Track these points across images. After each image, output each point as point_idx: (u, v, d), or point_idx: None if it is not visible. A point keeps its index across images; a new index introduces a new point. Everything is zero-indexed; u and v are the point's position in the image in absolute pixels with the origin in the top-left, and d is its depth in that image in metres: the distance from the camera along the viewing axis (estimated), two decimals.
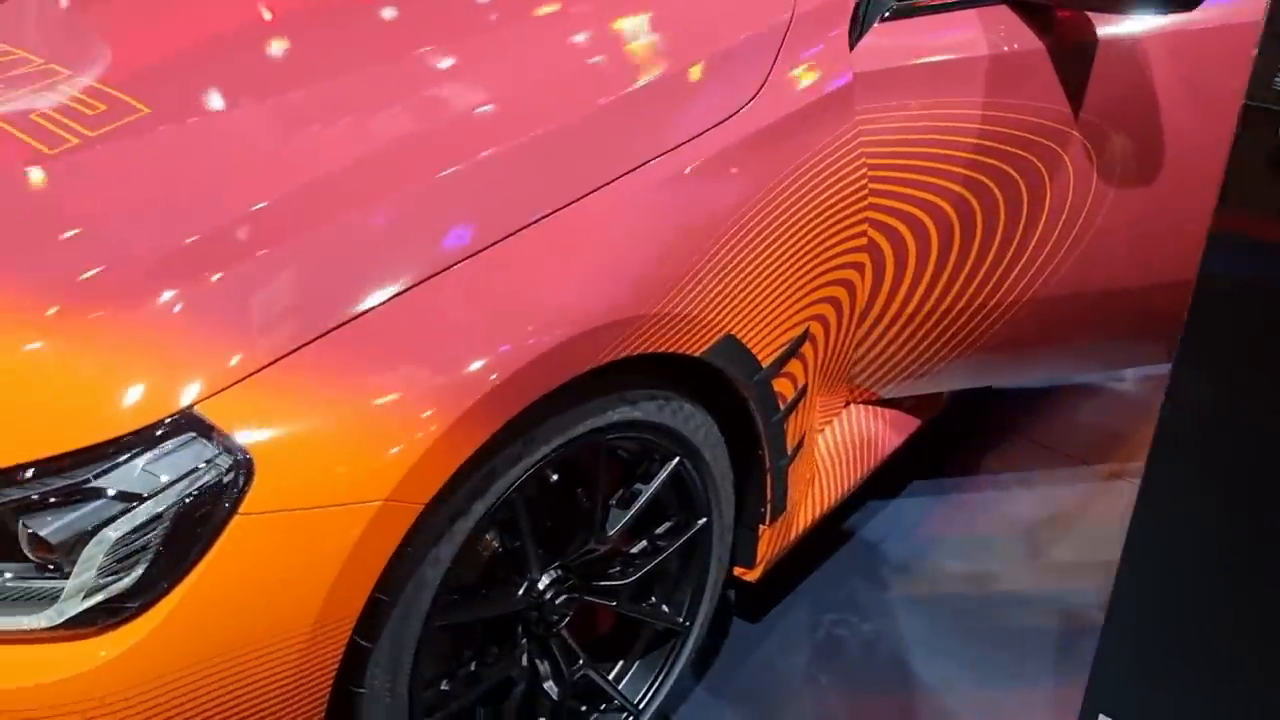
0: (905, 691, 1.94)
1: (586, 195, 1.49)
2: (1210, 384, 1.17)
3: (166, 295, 1.28)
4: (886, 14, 1.80)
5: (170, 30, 1.94)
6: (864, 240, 1.81)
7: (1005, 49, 1.81)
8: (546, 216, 1.45)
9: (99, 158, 1.49)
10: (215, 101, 1.68)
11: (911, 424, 2.19)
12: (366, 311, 1.30)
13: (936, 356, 2.08)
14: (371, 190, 1.42)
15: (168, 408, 1.21)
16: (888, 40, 1.79)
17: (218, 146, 1.56)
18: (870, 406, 2.14)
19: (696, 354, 1.56)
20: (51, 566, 1.19)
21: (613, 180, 1.51)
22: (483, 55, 1.75)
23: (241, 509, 1.19)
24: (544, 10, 1.86)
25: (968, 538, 2.26)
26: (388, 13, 1.94)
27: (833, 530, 2.26)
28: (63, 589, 1.18)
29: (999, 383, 2.58)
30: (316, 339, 1.27)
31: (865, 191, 1.77)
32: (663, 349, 1.51)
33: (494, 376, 1.31)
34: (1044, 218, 1.93)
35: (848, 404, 2.10)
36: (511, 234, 1.42)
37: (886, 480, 2.33)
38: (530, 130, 1.52)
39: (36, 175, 1.47)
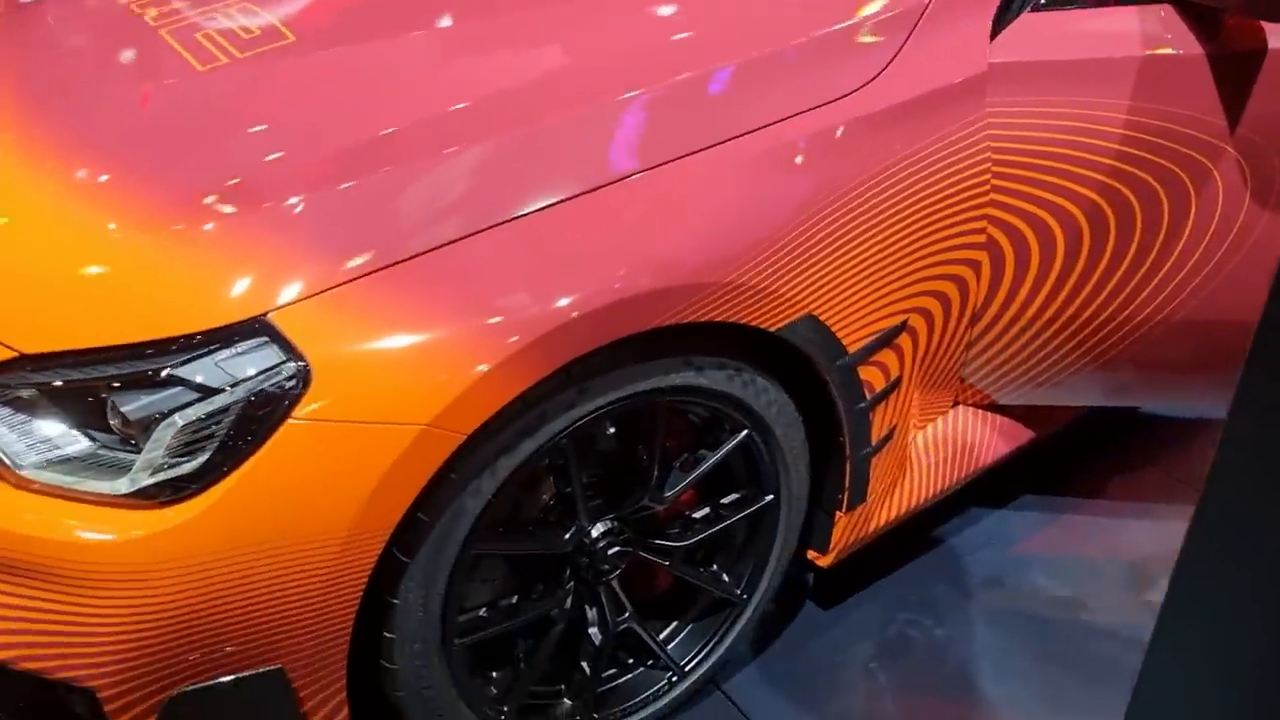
0: (964, 704, 1.89)
1: (701, 150, 1.51)
2: (1272, 418, 1.09)
3: (289, 201, 1.39)
4: (1039, 3, 1.72)
5: None
6: (982, 238, 1.74)
7: (1162, 51, 1.69)
8: (665, 164, 1.48)
9: (236, 78, 1.61)
10: (367, 33, 1.76)
11: (1023, 435, 2.10)
12: (454, 241, 1.37)
13: (1058, 367, 1.98)
14: (505, 121, 1.48)
15: (248, 311, 1.32)
16: (1035, 31, 1.70)
17: (355, 74, 1.65)
18: (980, 410, 2.06)
19: (772, 329, 1.55)
20: (132, 441, 1.33)
21: (725, 140, 1.52)
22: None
23: (294, 415, 1.29)
24: None
25: (1070, 561, 2.16)
26: None
27: (925, 531, 2.20)
28: (135, 462, 1.31)
29: (1136, 404, 2.43)
30: (401, 262, 1.35)
31: (987, 188, 1.70)
32: (736, 319, 1.51)
33: (575, 314, 1.36)
34: (1186, 234, 1.81)
35: (956, 404, 2.04)
36: (631, 175, 1.46)
37: (994, 489, 2.25)
38: (669, 78, 1.55)
39: (179, 90, 1.61)
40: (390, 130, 1.47)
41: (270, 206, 1.40)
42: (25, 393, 1.34)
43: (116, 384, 1.31)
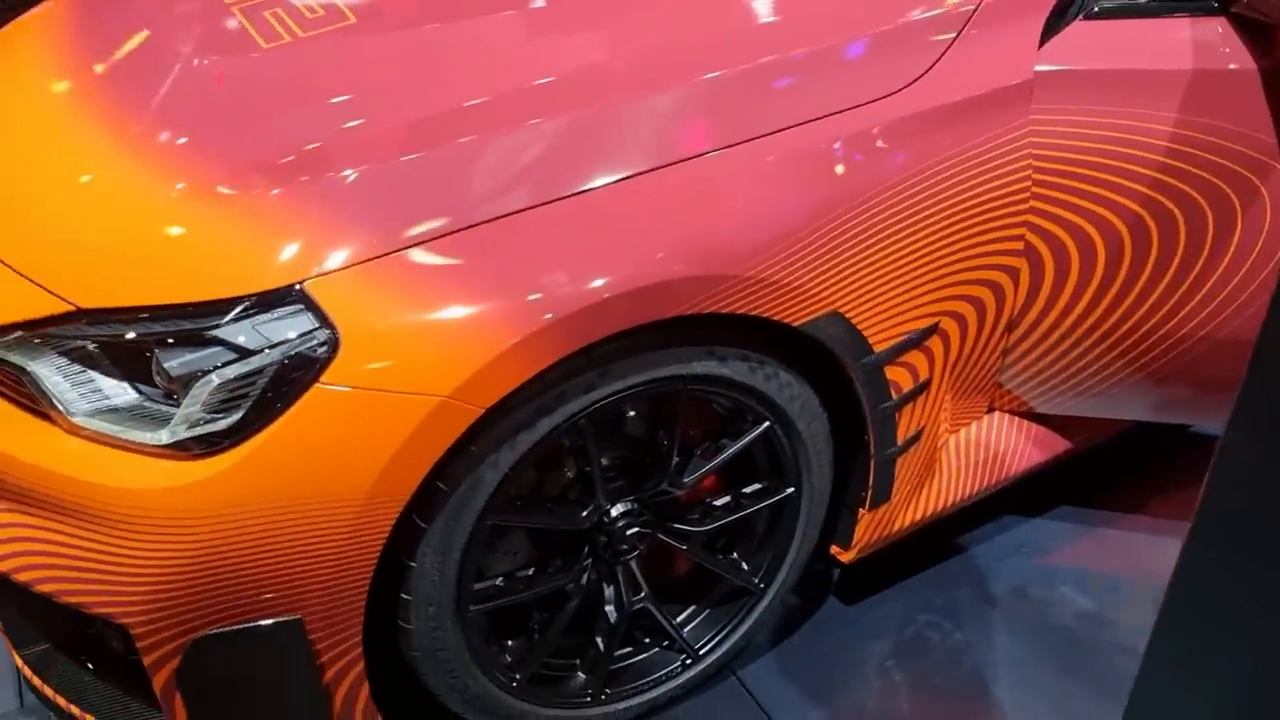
0: (975, 709, 1.89)
1: (746, 141, 1.54)
2: (1267, 436, 1.10)
3: (338, 173, 1.45)
4: (1093, 11, 1.70)
5: None
6: (1020, 245, 1.74)
7: (1213, 66, 1.67)
8: (712, 152, 1.52)
9: (297, 56, 1.68)
10: (421, 18, 1.83)
11: (1059, 445, 2.09)
12: (501, 217, 1.42)
13: (1098, 378, 1.97)
14: (557, 103, 1.52)
15: (286, 278, 1.38)
16: (1085, 39, 1.69)
17: (407, 56, 1.70)
18: (1016, 418, 2.05)
19: (795, 324, 1.58)
20: (173, 396, 1.41)
21: (768, 134, 1.55)
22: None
23: (321, 380, 1.35)
24: None
25: (1100, 576, 2.14)
26: None
27: (955, 534, 2.20)
28: (175, 415, 1.39)
29: (1183, 422, 2.38)
30: (443, 236, 1.40)
31: (1026, 194, 1.70)
32: (758, 312, 1.53)
33: (608, 295, 1.40)
34: (1230, 252, 1.78)
35: (991, 410, 2.04)
36: (681, 161, 1.50)
37: (1030, 498, 2.24)
38: (718, 70, 1.58)
39: (244, 66, 1.68)
40: (441, 109, 1.53)
41: (320, 178, 1.46)
42: (81, 345, 1.43)
43: (170, 340, 1.39)
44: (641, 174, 1.48)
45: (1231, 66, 1.67)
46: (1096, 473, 2.32)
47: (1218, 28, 1.68)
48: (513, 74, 1.59)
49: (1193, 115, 1.69)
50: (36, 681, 1.63)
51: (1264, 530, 1.16)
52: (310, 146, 1.49)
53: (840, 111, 1.59)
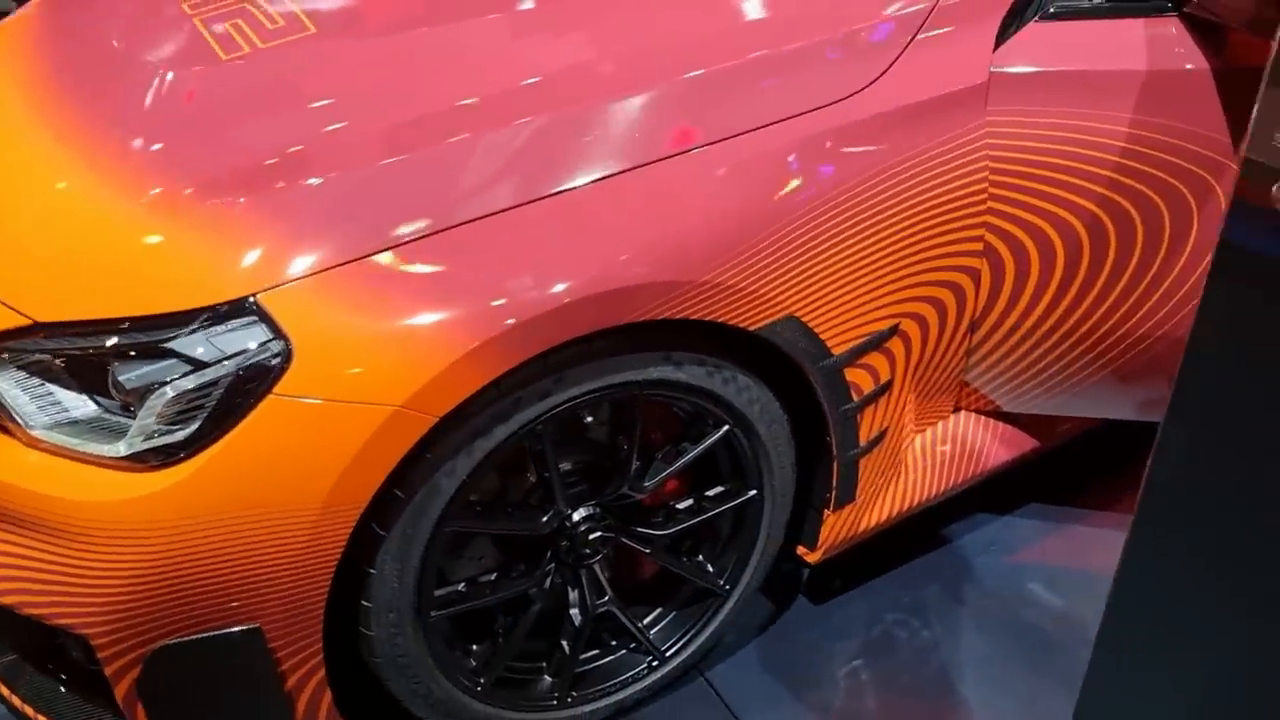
0: (942, 707, 1.90)
1: (705, 146, 1.55)
2: (1202, 429, 1.13)
3: (296, 184, 1.46)
4: (1049, 13, 1.71)
5: None
6: (979, 245, 1.75)
7: (1167, 66, 1.68)
8: (670, 157, 1.53)
9: (252, 68, 1.68)
10: (378, 28, 1.83)
11: (1027, 443, 2.10)
12: (460, 225, 1.43)
13: (1062, 377, 1.98)
14: (519, 110, 1.53)
15: (240, 290, 1.39)
16: (1040, 41, 1.70)
17: (371, 64, 1.71)
18: (982, 416, 2.06)
19: (751, 329, 1.59)
20: (130, 408, 1.42)
21: (726, 138, 1.56)
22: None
23: (275, 390, 1.36)
24: None
25: (1070, 573, 2.15)
26: None
27: (924, 533, 2.21)
28: (131, 428, 1.40)
29: (1149, 419, 2.39)
30: (397, 247, 1.41)
31: (984, 196, 1.71)
32: (713, 317, 1.54)
33: (568, 301, 1.41)
34: (1187, 251, 1.79)
35: (958, 409, 2.05)
36: (638, 167, 1.51)
37: (1001, 495, 2.25)
38: (676, 76, 1.59)
39: (204, 79, 1.68)
40: (401, 118, 1.54)
41: (276, 190, 1.47)
42: (38, 358, 1.44)
43: (132, 353, 1.40)
44: (604, 179, 1.50)
45: (1186, 66, 1.68)
46: (1065, 470, 2.32)
47: (1171, 28, 1.69)
48: (473, 81, 1.60)
49: (1148, 115, 1.70)
50: (5, 691, 1.64)
51: (1201, 520, 1.18)
52: (265, 160, 1.50)
53: (795, 116, 1.60)
